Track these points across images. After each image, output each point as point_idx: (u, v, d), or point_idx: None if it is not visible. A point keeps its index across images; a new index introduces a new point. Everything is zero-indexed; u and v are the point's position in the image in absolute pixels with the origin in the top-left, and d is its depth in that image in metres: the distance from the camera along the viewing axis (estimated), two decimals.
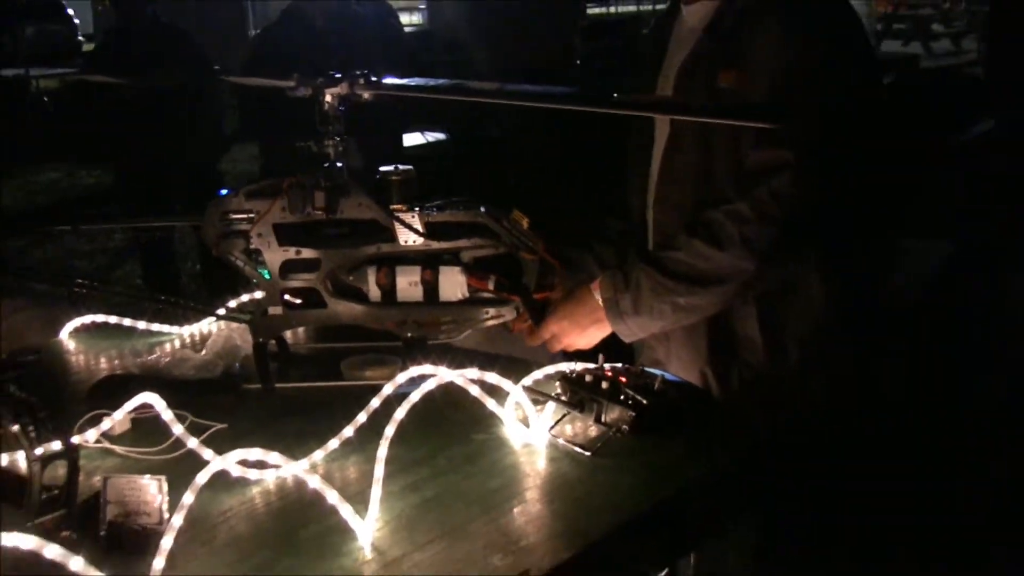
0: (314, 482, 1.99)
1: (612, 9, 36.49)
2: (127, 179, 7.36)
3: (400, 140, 6.42)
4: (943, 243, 7.35)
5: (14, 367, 2.05)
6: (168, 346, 3.03)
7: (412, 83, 2.68)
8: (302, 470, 2.06)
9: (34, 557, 1.63)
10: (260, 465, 2.09)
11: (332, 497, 1.94)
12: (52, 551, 1.62)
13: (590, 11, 32.78)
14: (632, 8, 33.89)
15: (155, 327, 3.08)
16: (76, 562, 1.63)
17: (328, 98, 2.58)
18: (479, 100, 2.85)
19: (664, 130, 2.90)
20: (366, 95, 2.57)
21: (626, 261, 2.82)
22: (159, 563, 1.76)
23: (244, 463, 2.06)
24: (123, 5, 7.30)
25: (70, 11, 29.03)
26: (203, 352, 2.94)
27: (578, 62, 7.66)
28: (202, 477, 1.93)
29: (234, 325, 3.04)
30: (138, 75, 6.37)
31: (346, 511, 1.94)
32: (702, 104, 2.73)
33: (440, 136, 9.90)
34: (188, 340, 3.05)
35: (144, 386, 2.33)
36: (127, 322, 3.08)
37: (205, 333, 3.08)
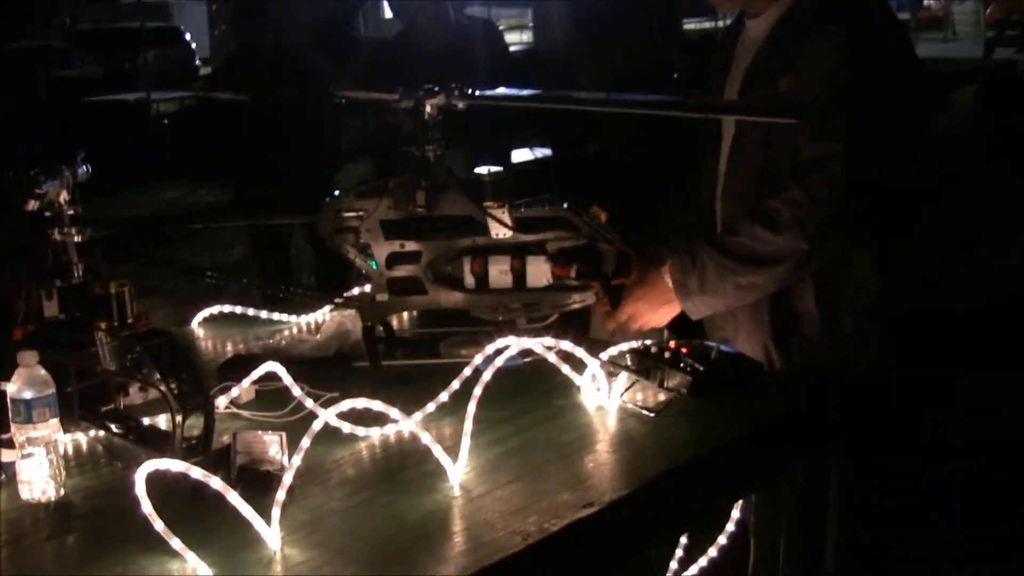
0: (413, 428, 2.33)
1: (708, 24, 36.69)
2: (246, 195, 7.74)
3: (508, 155, 6.70)
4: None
5: (159, 335, 2.41)
6: (286, 332, 3.39)
7: (503, 93, 3.02)
8: (403, 422, 2.40)
9: (183, 477, 1.99)
10: (367, 419, 2.43)
11: (426, 439, 2.29)
12: (196, 472, 1.98)
13: (688, 26, 32.99)
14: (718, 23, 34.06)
15: (275, 316, 3.44)
16: (215, 482, 2.00)
17: (428, 108, 2.92)
18: (572, 109, 3.20)
19: (730, 131, 3.19)
20: (461, 105, 2.91)
21: (694, 247, 3.08)
22: (281, 495, 2.09)
23: (351, 416, 2.40)
24: (243, 29, 7.68)
25: (187, 36, 29.84)
26: (318, 336, 3.31)
27: (676, 75, 7.92)
28: (317, 424, 2.27)
29: (346, 313, 3.39)
30: (258, 93, 6.73)
31: (438, 452, 2.28)
32: (762, 105, 3.04)
33: (547, 151, 10.26)
34: (304, 327, 3.40)
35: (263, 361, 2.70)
36: (251, 312, 3.44)
37: (319, 321, 3.43)
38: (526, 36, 32.11)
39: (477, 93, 2.93)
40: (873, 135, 2.88)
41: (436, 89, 2.92)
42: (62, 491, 2.27)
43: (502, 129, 5.74)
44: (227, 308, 3.43)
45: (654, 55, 7.78)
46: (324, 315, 3.43)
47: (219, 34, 30.13)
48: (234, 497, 2.01)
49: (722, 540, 2.90)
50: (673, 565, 3.07)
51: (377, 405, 2.34)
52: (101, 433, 2.49)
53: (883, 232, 3.05)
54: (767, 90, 3.04)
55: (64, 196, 2.49)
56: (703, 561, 2.97)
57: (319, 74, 7.72)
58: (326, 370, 2.89)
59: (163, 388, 2.29)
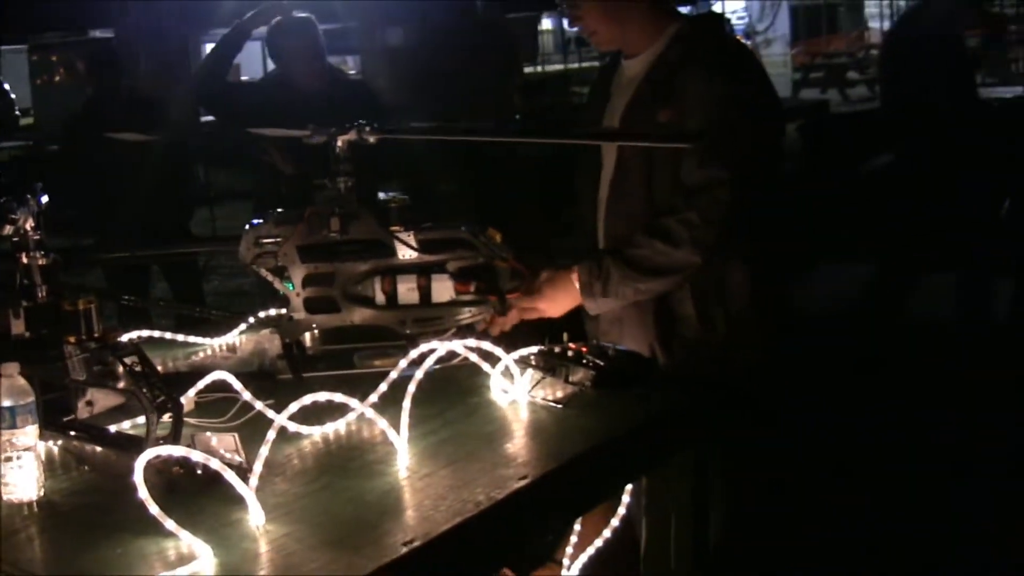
0: (370, 414, 2.71)
1: (539, 68, 37.52)
2: (110, 237, 7.88)
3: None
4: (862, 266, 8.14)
5: (127, 346, 2.68)
6: (204, 353, 3.65)
7: (412, 127, 3.37)
8: (360, 407, 2.73)
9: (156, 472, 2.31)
10: (308, 419, 2.73)
11: (381, 422, 2.62)
12: (197, 455, 2.29)
13: (528, 69, 33.66)
14: (560, 66, 34.87)
15: (192, 339, 3.69)
16: (214, 463, 2.29)
17: (340, 143, 3.23)
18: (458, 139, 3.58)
19: (611, 158, 3.60)
20: (372, 139, 3.23)
21: (599, 254, 3.53)
22: (253, 481, 2.38)
23: (294, 416, 2.69)
24: (99, 78, 7.87)
25: (7, 86, 29.46)
26: (237, 354, 3.58)
27: (517, 116, 8.27)
28: (278, 422, 2.58)
29: (260, 333, 3.67)
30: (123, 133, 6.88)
31: (392, 435, 2.63)
32: (641, 131, 3.50)
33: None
34: (221, 347, 3.67)
35: (200, 377, 2.97)
36: (168, 335, 3.68)
37: (234, 343, 3.69)
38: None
39: (388, 128, 3.27)
40: (751, 161, 3.37)
41: (347, 125, 3.24)
42: (42, 491, 2.51)
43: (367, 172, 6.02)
44: (145, 333, 3.66)
45: (498, 98, 8.11)
46: (238, 336, 3.69)
47: (41, 84, 29.94)
48: (231, 476, 2.29)
49: (615, 523, 3.25)
50: (568, 550, 3.41)
51: (338, 397, 2.66)
52: (61, 441, 2.75)
53: (753, 244, 3.49)
54: (647, 123, 3.46)
55: (31, 223, 2.75)
56: (598, 542, 3.30)
57: (177, 120, 7.94)
58: (254, 383, 3.16)
59: (137, 391, 2.55)
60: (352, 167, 3.25)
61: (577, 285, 3.46)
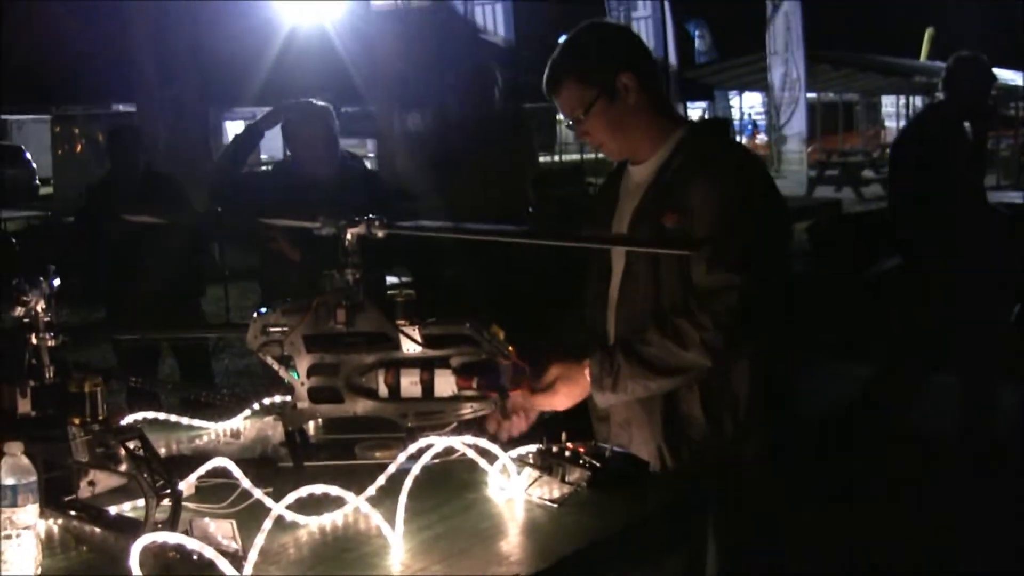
0: (365, 508, 2.73)
1: (556, 158, 37.83)
2: (120, 312, 7.97)
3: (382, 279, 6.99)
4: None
5: (130, 429, 2.73)
6: (208, 436, 3.69)
7: (418, 224, 3.43)
8: (352, 503, 2.75)
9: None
10: (306, 508, 2.77)
11: (376, 517, 2.65)
12: (193, 543, 2.31)
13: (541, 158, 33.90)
14: (576, 156, 35.15)
15: (196, 422, 3.73)
16: (209, 551, 2.32)
17: (349, 236, 3.30)
18: (466, 238, 3.67)
19: (620, 261, 3.70)
20: (380, 234, 3.29)
21: (611, 348, 3.58)
22: (248, 569, 2.42)
23: (292, 506, 2.73)
24: (118, 153, 7.99)
25: (28, 155, 29.80)
26: (240, 440, 3.62)
27: (531, 209, 8.33)
28: (275, 512, 2.61)
29: (264, 419, 3.71)
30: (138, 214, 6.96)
31: (385, 529, 2.65)
32: (647, 238, 3.58)
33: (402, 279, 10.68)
34: (225, 432, 3.71)
35: (203, 462, 3.01)
36: (173, 418, 3.72)
37: (238, 428, 3.73)
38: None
39: (397, 223, 3.33)
40: (760, 265, 3.44)
41: (357, 219, 3.30)
42: (39, 570, 2.55)
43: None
44: (151, 414, 3.71)
45: (512, 189, 8.18)
46: (242, 421, 3.73)
47: (62, 154, 30.30)
48: (224, 564, 2.33)
49: None
50: None
51: (334, 490, 2.69)
52: (62, 520, 2.78)
53: (761, 345, 3.55)
54: (654, 227, 3.55)
55: (42, 304, 2.81)
56: None
57: (188, 201, 8.05)
58: (254, 469, 3.20)
59: (138, 476, 2.60)
60: (360, 259, 3.31)
61: (588, 378, 3.52)
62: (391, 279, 8.85)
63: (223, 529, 2.69)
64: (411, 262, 8.25)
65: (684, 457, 3.58)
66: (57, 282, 2.86)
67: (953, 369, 7.67)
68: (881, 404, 7.89)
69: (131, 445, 2.65)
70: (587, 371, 3.52)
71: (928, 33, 37.05)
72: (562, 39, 3.75)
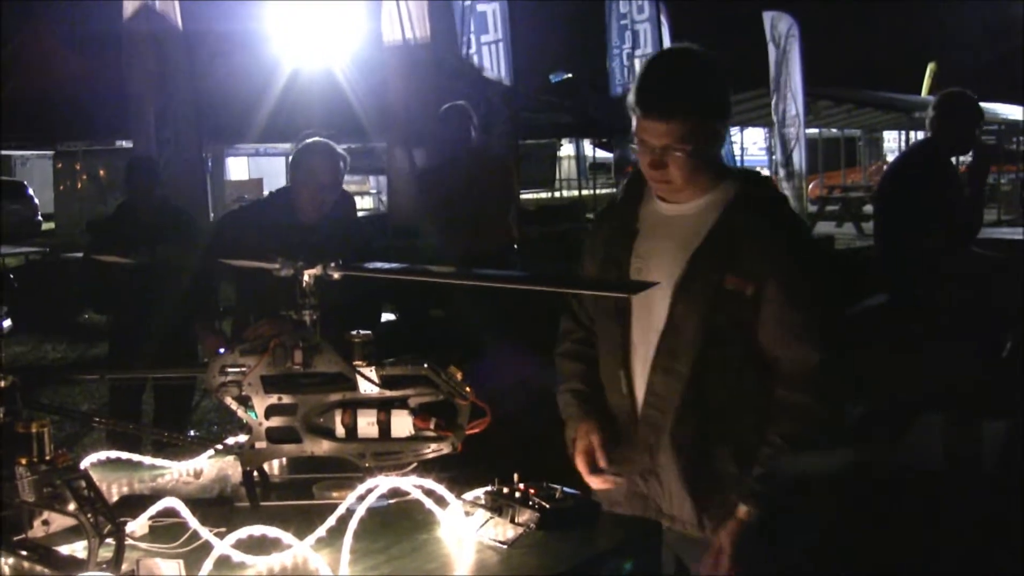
0: (307, 552, 2.70)
1: (557, 194, 37.93)
2: (120, 349, 7.99)
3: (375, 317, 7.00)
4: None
5: (76, 470, 2.74)
6: (169, 475, 3.70)
7: (379, 267, 3.45)
8: (298, 546, 2.75)
9: None
10: (255, 550, 2.77)
11: (317, 560, 2.65)
12: None
13: (534, 195, 34.04)
14: (575, 192, 35.27)
15: (158, 462, 3.75)
16: None
17: (306, 277, 3.32)
18: (434, 281, 3.67)
19: (657, 310, 3.54)
20: (336, 276, 3.31)
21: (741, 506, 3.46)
22: None
23: (241, 547, 2.74)
24: (135, 183, 8.05)
25: (30, 191, 29.90)
26: (200, 480, 3.64)
27: (516, 246, 8.40)
28: (217, 551, 2.62)
29: (225, 459, 3.72)
30: (144, 249, 6.99)
31: (327, 572, 2.65)
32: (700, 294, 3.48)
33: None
34: (186, 472, 3.72)
35: (158, 500, 3.03)
36: (135, 457, 3.74)
37: (200, 468, 3.74)
38: (368, 201, 32.80)
39: (352, 264, 3.36)
40: (834, 334, 3.47)
41: (314, 260, 3.32)
42: None
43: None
44: (114, 454, 3.72)
45: (494, 225, 8.22)
46: (204, 460, 3.75)
47: (64, 190, 30.42)
48: None
49: None
50: None
51: (273, 531, 2.70)
52: (11, 560, 2.80)
53: None
54: (711, 286, 3.44)
55: None
56: None
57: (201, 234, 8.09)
58: (211, 509, 3.21)
59: (82, 516, 2.61)
60: (317, 301, 3.33)
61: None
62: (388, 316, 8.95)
63: (170, 569, 2.71)
64: (399, 302, 8.28)
65: (716, 512, 3.49)
66: (8, 323, 2.88)
67: (937, 406, 7.66)
68: (865, 444, 7.86)
69: (78, 485, 2.67)
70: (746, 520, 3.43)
71: (930, 68, 37.17)
72: (677, 57, 3.60)
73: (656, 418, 3.52)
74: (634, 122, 3.46)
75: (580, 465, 3.58)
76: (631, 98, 3.45)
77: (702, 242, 3.48)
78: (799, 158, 25.47)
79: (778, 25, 25.78)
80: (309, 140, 6.05)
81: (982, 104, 7.85)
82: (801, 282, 3.41)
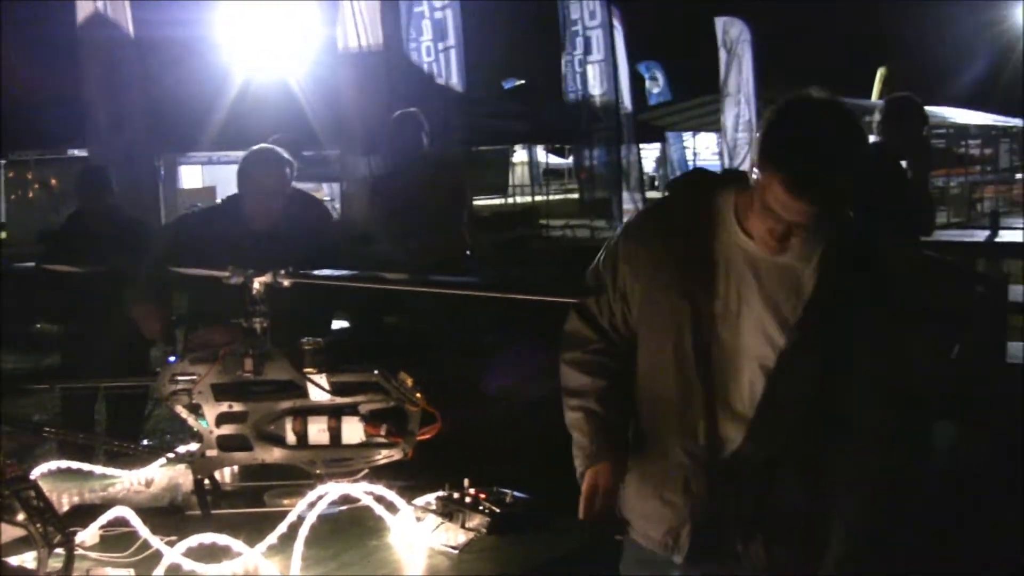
0: (260, 562, 2.71)
1: (510, 200, 37.94)
2: (74, 357, 7.94)
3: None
4: None
5: (26, 481, 2.74)
6: (120, 485, 3.69)
7: (328, 274, 3.46)
8: (248, 553, 2.76)
9: None
10: (206, 558, 2.78)
11: (268, 567, 2.66)
12: None
13: (488, 202, 34.02)
14: (528, 199, 35.25)
15: (109, 471, 3.74)
16: None
17: (256, 285, 3.33)
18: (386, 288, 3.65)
19: (743, 350, 3.14)
20: (287, 283, 3.32)
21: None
22: None
23: (191, 555, 2.75)
24: (87, 192, 7.99)
25: None
26: (150, 488, 3.63)
27: (468, 252, 8.39)
28: (166, 560, 2.62)
29: (176, 467, 3.72)
30: (96, 259, 6.94)
31: None
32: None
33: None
34: (138, 481, 3.71)
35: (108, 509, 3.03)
36: (87, 467, 3.73)
37: (151, 477, 3.74)
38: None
39: (303, 272, 3.37)
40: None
41: (264, 268, 3.33)
42: None
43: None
44: (64, 464, 3.71)
45: (451, 231, 8.23)
46: (156, 469, 3.74)
47: (15, 199, 30.13)
48: None
49: None
50: None
51: (224, 539, 2.71)
52: None
53: None
54: (836, 327, 3.07)
55: None
56: None
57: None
58: (162, 518, 3.22)
59: (31, 526, 2.61)
60: (267, 308, 3.33)
61: None
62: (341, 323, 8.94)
63: None
64: (352, 309, 8.26)
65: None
66: None
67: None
68: None
69: (27, 496, 2.67)
70: None
71: (880, 73, 37.34)
72: (838, 134, 3.00)
73: (749, 474, 3.16)
74: (761, 176, 2.95)
75: (582, 504, 3.19)
76: (766, 154, 2.95)
77: (808, 303, 3.08)
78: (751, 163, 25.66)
79: (730, 31, 25.95)
80: (255, 147, 6.04)
81: (932, 108, 7.94)
82: (898, 350, 3.12)
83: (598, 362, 3.32)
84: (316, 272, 3.48)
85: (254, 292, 3.34)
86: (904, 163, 7.80)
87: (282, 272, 3.33)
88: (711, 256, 3.16)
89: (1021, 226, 13.16)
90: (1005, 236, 10.84)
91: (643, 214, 3.54)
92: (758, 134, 3.01)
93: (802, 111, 3.04)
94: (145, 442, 3.96)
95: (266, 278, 3.33)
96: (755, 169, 2.96)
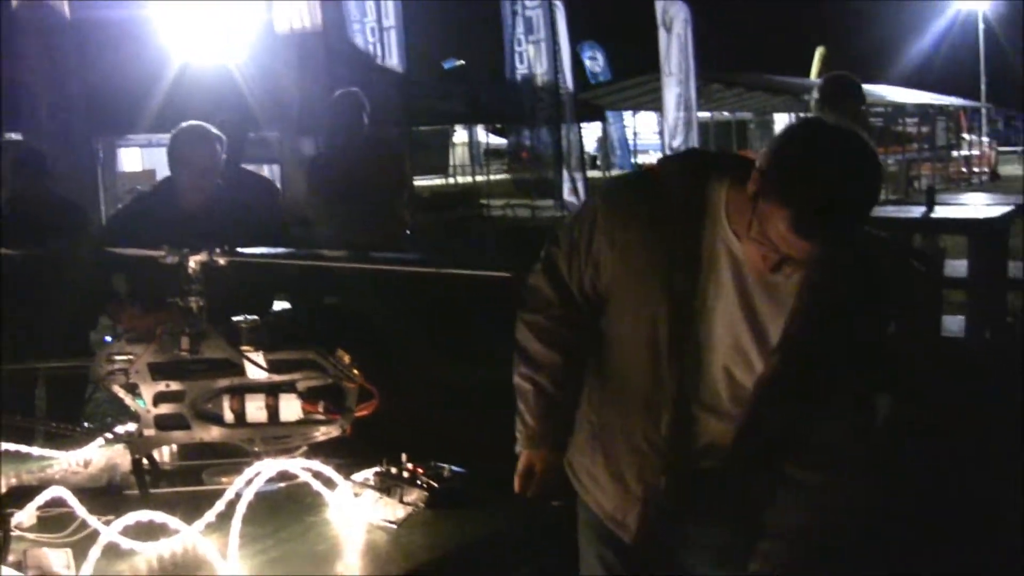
0: (198, 540, 2.72)
1: (450, 180, 37.94)
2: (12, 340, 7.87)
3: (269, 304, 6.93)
4: None
5: None
6: (57, 466, 3.68)
7: (264, 252, 3.46)
8: (186, 530, 2.77)
9: None
10: (143, 536, 2.78)
11: (206, 545, 2.67)
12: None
13: (428, 182, 33.98)
14: (469, 179, 35.28)
15: (47, 453, 3.72)
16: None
17: (192, 264, 3.32)
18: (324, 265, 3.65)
19: (713, 348, 3.05)
20: (222, 261, 3.32)
21: None
22: None
23: (129, 534, 2.75)
24: (23, 176, 7.92)
25: None
26: (89, 469, 3.62)
27: (409, 233, 8.42)
28: (103, 539, 2.62)
29: (115, 448, 3.71)
30: (33, 243, 6.89)
31: (215, 557, 2.67)
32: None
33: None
34: (76, 462, 3.70)
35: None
36: (24, 449, 3.71)
37: (88, 459, 3.73)
38: None
39: (239, 251, 3.36)
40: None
41: (200, 247, 3.33)
42: None
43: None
44: (1, 446, 3.68)
45: (391, 211, 8.24)
46: (94, 451, 3.73)
47: None
48: None
49: None
50: None
51: (159, 516, 2.71)
52: None
53: None
54: (823, 350, 2.98)
55: None
56: None
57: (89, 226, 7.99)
58: (100, 498, 3.21)
59: None
60: (203, 287, 3.33)
61: None
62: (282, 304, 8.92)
63: (58, 558, 2.70)
64: (292, 290, 8.25)
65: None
66: None
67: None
68: None
69: None
70: None
71: (819, 52, 37.63)
72: (852, 173, 2.75)
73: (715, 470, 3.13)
74: (763, 204, 2.76)
75: (517, 480, 3.24)
76: (772, 183, 2.75)
77: (799, 321, 2.95)
78: (691, 142, 25.75)
79: (670, 10, 26.01)
80: (183, 125, 6.02)
81: (870, 87, 8.01)
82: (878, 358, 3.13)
83: (558, 332, 3.23)
84: (252, 250, 3.48)
85: (190, 271, 3.33)
86: None
87: (217, 251, 3.33)
88: (698, 250, 3.01)
89: (956, 202, 13.29)
90: (941, 212, 10.92)
91: (627, 185, 3.41)
92: (764, 150, 2.80)
93: (820, 139, 2.79)
94: (86, 424, 3.94)
95: (201, 257, 3.32)
96: (756, 190, 2.76)
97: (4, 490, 3.42)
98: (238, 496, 2.89)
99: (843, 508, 3.12)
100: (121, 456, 3.62)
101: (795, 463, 3.09)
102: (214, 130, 6.02)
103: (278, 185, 16.21)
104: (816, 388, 3.01)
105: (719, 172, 3.01)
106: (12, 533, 2.93)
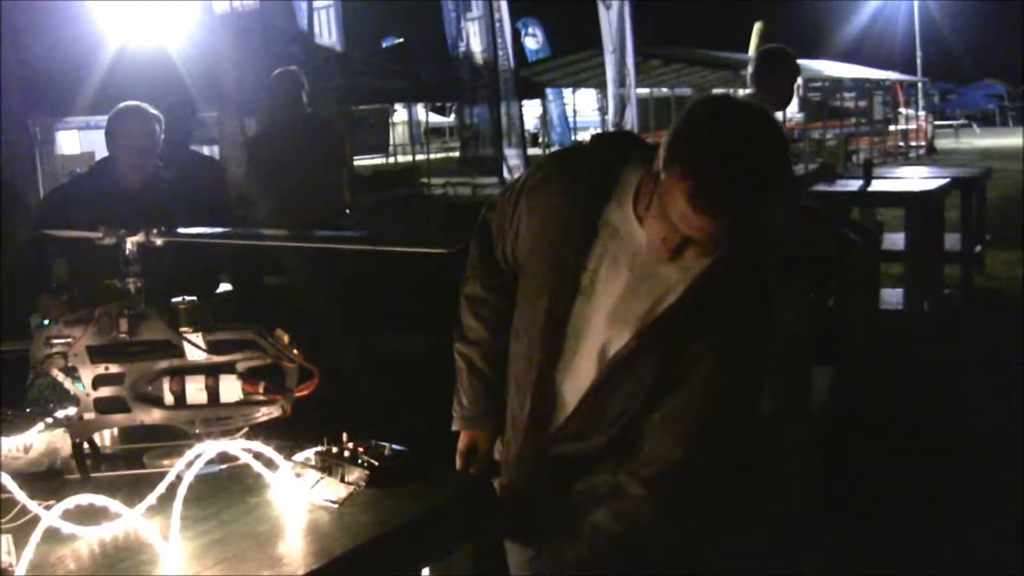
0: (140, 523, 2.71)
1: (390, 159, 37.87)
2: None
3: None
4: None
5: None
6: None
7: (203, 231, 3.44)
8: (128, 514, 2.76)
9: None
10: (84, 520, 2.77)
11: (147, 528, 2.66)
12: None
13: (369, 161, 33.90)
14: (409, 158, 35.22)
15: None
16: None
17: (129, 245, 3.31)
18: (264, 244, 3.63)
19: (588, 332, 3.10)
20: (159, 242, 3.31)
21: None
22: None
23: (70, 517, 2.74)
24: None
25: None
26: (28, 454, 3.60)
27: (348, 212, 8.40)
28: (44, 523, 2.61)
29: (55, 432, 3.69)
30: None
31: (157, 539, 2.66)
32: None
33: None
34: (15, 447, 3.68)
35: None
36: None
37: (29, 443, 3.70)
38: None
39: (178, 231, 3.35)
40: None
41: (137, 227, 3.31)
42: None
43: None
44: None
45: (331, 190, 8.23)
46: (33, 435, 3.71)
47: None
48: None
49: None
50: None
51: (100, 499, 2.70)
52: None
53: None
54: (681, 344, 3.00)
55: None
56: None
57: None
58: (41, 483, 3.20)
59: None
60: (141, 268, 3.32)
61: None
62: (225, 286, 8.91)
63: None
64: (233, 271, 8.23)
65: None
66: None
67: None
68: None
69: None
70: None
71: (757, 27, 37.76)
72: (744, 142, 2.71)
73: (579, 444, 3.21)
74: (664, 176, 2.76)
75: (458, 458, 3.44)
76: (671, 154, 2.74)
77: (679, 298, 2.98)
78: (631, 118, 25.82)
79: None
80: (121, 105, 5.99)
81: (808, 62, 8.08)
82: (729, 381, 3.03)
83: (492, 305, 3.35)
84: (190, 231, 3.47)
85: (127, 252, 3.32)
86: (779, 116, 7.92)
87: (155, 231, 3.31)
88: (595, 227, 3.03)
89: (894, 176, 13.43)
90: (878, 185, 11.06)
91: (556, 157, 3.54)
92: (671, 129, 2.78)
93: (725, 114, 2.79)
94: (27, 409, 3.91)
95: (139, 237, 3.31)
96: (659, 165, 2.76)
97: None
98: (179, 478, 2.87)
99: (654, 531, 3.11)
100: (61, 440, 3.60)
101: (627, 471, 3.12)
102: (152, 110, 5.99)
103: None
104: (669, 373, 3.02)
105: (640, 157, 2.99)
106: None
